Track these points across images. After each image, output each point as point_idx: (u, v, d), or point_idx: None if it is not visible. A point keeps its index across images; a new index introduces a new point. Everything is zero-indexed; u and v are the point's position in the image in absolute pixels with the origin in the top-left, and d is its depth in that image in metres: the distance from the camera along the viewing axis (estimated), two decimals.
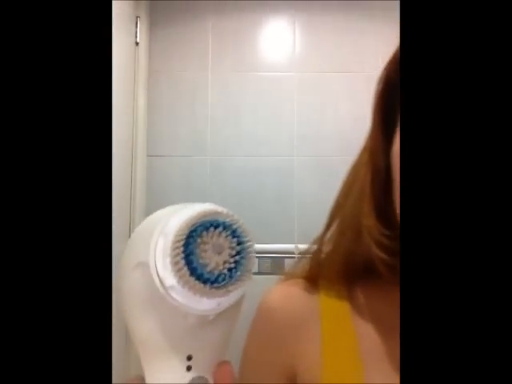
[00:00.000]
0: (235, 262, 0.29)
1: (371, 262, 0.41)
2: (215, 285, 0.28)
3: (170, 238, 0.28)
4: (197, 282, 0.28)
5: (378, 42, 1.69)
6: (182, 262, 0.28)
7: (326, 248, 0.46)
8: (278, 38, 1.75)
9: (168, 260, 0.27)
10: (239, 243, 0.30)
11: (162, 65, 1.72)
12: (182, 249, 0.28)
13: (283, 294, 0.47)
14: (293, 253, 1.59)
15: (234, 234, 0.30)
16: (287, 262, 1.60)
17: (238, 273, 0.29)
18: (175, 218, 0.29)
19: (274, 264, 1.60)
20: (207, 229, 0.29)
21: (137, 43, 1.66)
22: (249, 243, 0.30)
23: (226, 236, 0.30)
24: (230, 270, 0.29)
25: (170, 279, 0.27)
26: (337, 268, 0.45)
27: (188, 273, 0.28)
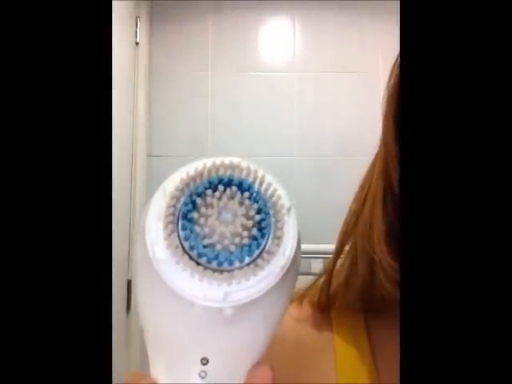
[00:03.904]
0: (252, 237, 0.22)
1: (387, 298, 0.37)
2: (212, 264, 0.21)
3: (167, 196, 0.22)
4: (186, 255, 0.21)
5: (378, 42, 1.68)
6: (174, 228, 0.21)
7: (337, 279, 0.41)
8: (277, 38, 1.75)
9: (160, 225, 0.22)
10: (262, 212, 0.22)
11: (162, 65, 1.72)
12: (173, 210, 0.22)
13: (294, 322, 0.41)
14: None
15: (256, 198, 0.22)
16: None
17: (247, 257, 0.21)
18: (179, 172, 0.23)
19: None
20: (214, 187, 0.22)
21: (137, 43, 1.66)
22: (281, 214, 0.22)
23: (242, 200, 0.22)
24: (244, 247, 0.22)
25: (161, 250, 0.22)
26: (351, 304, 0.40)
27: (177, 242, 0.21)
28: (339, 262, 0.42)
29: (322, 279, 0.42)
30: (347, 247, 0.41)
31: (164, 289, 0.22)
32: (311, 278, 0.44)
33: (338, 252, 0.42)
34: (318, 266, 1.45)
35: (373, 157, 0.41)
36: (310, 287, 0.43)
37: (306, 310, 0.43)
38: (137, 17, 1.66)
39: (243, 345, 0.24)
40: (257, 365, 0.24)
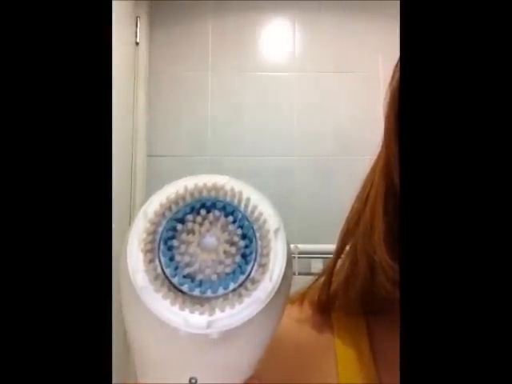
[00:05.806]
0: (236, 264, 0.21)
1: (388, 298, 0.37)
2: (194, 293, 0.21)
3: (146, 222, 0.21)
4: (165, 285, 0.21)
5: (377, 42, 1.68)
6: (153, 256, 0.21)
7: (337, 279, 0.41)
8: (278, 38, 1.75)
9: (140, 253, 0.21)
10: (246, 238, 0.21)
11: (162, 65, 1.72)
12: (153, 237, 0.21)
13: (294, 323, 0.41)
14: (293, 253, 1.58)
15: (241, 223, 0.21)
16: None
17: (232, 284, 0.21)
18: (160, 194, 0.22)
19: None
20: (197, 211, 0.21)
21: (137, 43, 1.66)
22: (267, 239, 0.21)
23: (226, 224, 0.21)
24: (229, 274, 0.21)
25: (141, 278, 0.21)
26: (352, 304, 0.40)
27: (158, 270, 0.21)
28: (339, 261, 0.42)
29: (323, 279, 0.42)
30: (348, 247, 0.41)
31: (148, 313, 0.21)
32: (311, 278, 0.44)
33: (339, 251, 0.41)
34: (317, 266, 1.45)
35: (373, 157, 0.41)
36: (310, 287, 0.43)
37: (306, 310, 0.43)
38: (137, 17, 1.66)
39: (231, 365, 0.23)
40: (247, 380, 0.24)
